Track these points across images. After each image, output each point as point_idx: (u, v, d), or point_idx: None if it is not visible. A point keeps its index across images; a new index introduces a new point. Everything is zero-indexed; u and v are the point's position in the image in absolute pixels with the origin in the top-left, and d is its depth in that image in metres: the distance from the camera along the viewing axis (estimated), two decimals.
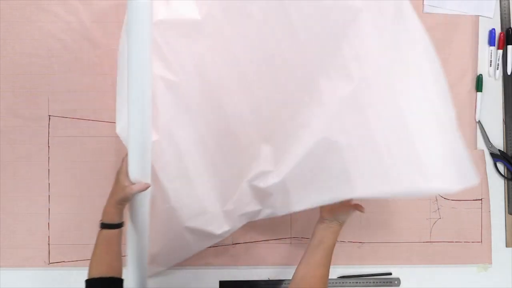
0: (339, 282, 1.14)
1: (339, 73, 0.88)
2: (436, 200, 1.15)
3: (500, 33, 1.14)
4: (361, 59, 0.86)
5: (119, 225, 0.91)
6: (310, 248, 0.92)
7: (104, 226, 0.90)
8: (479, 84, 1.14)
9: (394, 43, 0.86)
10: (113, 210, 0.90)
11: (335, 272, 1.15)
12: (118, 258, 0.92)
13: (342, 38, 0.86)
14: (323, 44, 0.88)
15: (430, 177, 0.83)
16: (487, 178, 1.15)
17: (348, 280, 1.14)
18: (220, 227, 1.02)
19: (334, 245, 0.92)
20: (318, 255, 0.91)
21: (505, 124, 1.16)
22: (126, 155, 0.89)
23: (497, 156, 1.15)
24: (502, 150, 1.15)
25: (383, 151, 0.85)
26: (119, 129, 0.93)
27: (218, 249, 1.13)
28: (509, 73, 1.14)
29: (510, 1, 1.15)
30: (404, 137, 0.84)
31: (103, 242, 0.91)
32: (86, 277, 0.90)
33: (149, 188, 0.89)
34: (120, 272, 0.92)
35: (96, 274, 0.89)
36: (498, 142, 1.16)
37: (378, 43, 0.86)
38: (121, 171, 0.90)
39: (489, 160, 1.16)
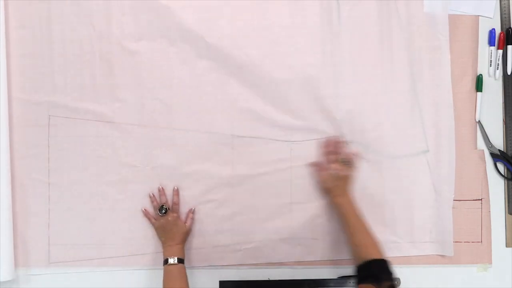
0: (339, 282, 1.14)
1: None
2: (436, 200, 1.14)
3: (500, 33, 1.14)
4: None
5: None
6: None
7: (180, 261, 1.06)
8: (479, 84, 1.14)
9: None
10: (181, 248, 1.08)
11: (335, 272, 1.15)
12: None
13: None
14: None
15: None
16: (487, 178, 1.15)
17: (348, 280, 1.14)
18: None
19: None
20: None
21: (505, 124, 1.16)
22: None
23: (497, 156, 1.15)
24: (502, 150, 1.15)
25: None
26: None
27: (218, 249, 1.13)
28: (509, 73, 1.14)
29: (510, 1, 1.15)
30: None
31: (183, 275, 1.05)
32: None
33: None
34: None
35: None
36: (498, 142, 1.16)
37: None
38: (174, 218, 1.08)
39: (489, 160, 1.16)
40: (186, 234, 1.10)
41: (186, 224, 1.10)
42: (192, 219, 1.11)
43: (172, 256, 1.05)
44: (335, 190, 1.08)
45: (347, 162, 1.09)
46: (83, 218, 1.13)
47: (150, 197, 1.12)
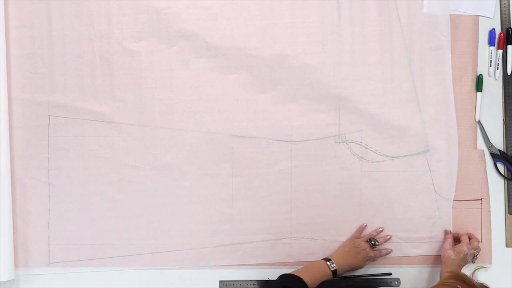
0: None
1: None
2: (436, 200, 1.15)
3: (500, 33, 1.14)
4: None
5: None
6: None
7: (335, 273, 1.07)
8: (479, 84, 1.14)
9: None
10: (347, 269, 1.09)
11: None
12: None
13: None
14: None
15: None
16: (487, 178, 1.15)
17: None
18: None
19: None
20: None
21: (505, 124, 1.16)
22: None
23: (497, 156, 1.15)
24: (502, 150, 1.15)
25: None
26: None
27: (218, 249, 1.13)
28: (509, 73, 1.14)
29: (510, 1, 1.15)
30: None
31: (320, 277, 1.04)
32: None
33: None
34: None
35: None
36: (498, 142, 1.16)
37: None
38: (372, 256, 1.11)
39: (489, 160, 1.16)
40: (357, 268, 1.10)
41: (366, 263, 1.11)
42: (373, 260, 1.12)
43: (336, 263, 1.06)
44: (454, 268, 1.07)
45: (476, 256, 1.11)
46: (83, 218, 1.13)
47: (361, 226, 1.14)
